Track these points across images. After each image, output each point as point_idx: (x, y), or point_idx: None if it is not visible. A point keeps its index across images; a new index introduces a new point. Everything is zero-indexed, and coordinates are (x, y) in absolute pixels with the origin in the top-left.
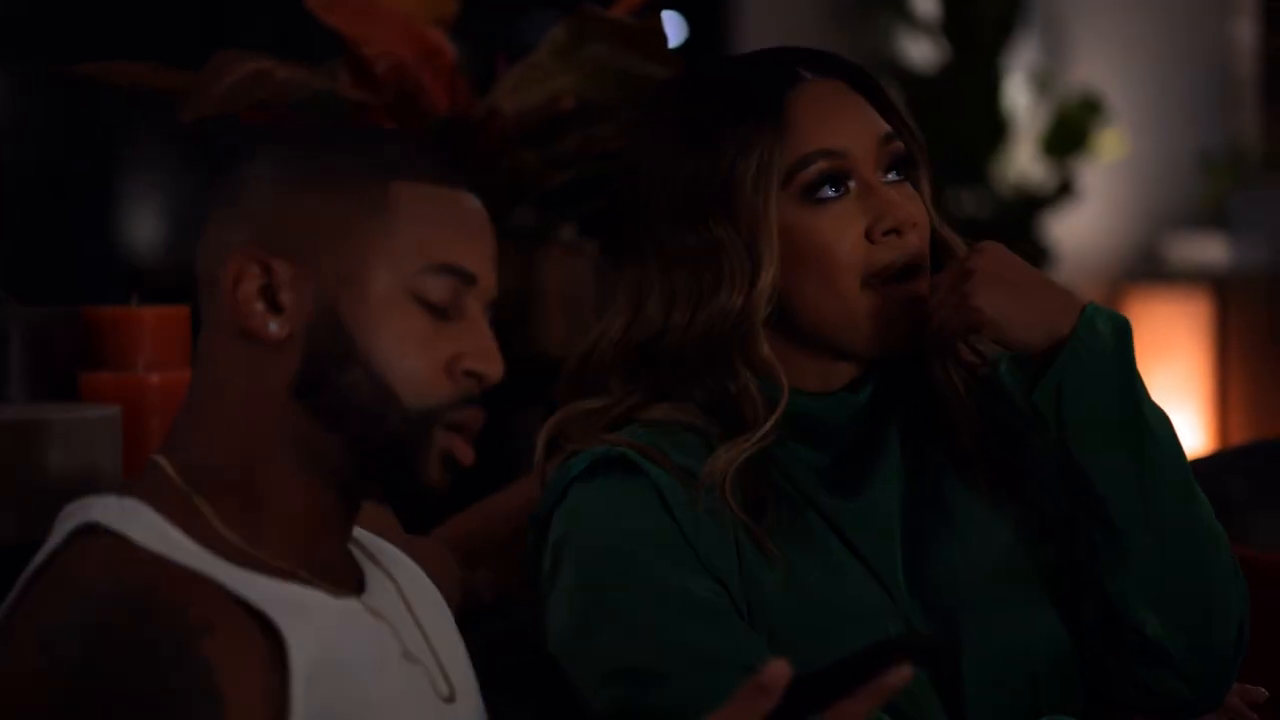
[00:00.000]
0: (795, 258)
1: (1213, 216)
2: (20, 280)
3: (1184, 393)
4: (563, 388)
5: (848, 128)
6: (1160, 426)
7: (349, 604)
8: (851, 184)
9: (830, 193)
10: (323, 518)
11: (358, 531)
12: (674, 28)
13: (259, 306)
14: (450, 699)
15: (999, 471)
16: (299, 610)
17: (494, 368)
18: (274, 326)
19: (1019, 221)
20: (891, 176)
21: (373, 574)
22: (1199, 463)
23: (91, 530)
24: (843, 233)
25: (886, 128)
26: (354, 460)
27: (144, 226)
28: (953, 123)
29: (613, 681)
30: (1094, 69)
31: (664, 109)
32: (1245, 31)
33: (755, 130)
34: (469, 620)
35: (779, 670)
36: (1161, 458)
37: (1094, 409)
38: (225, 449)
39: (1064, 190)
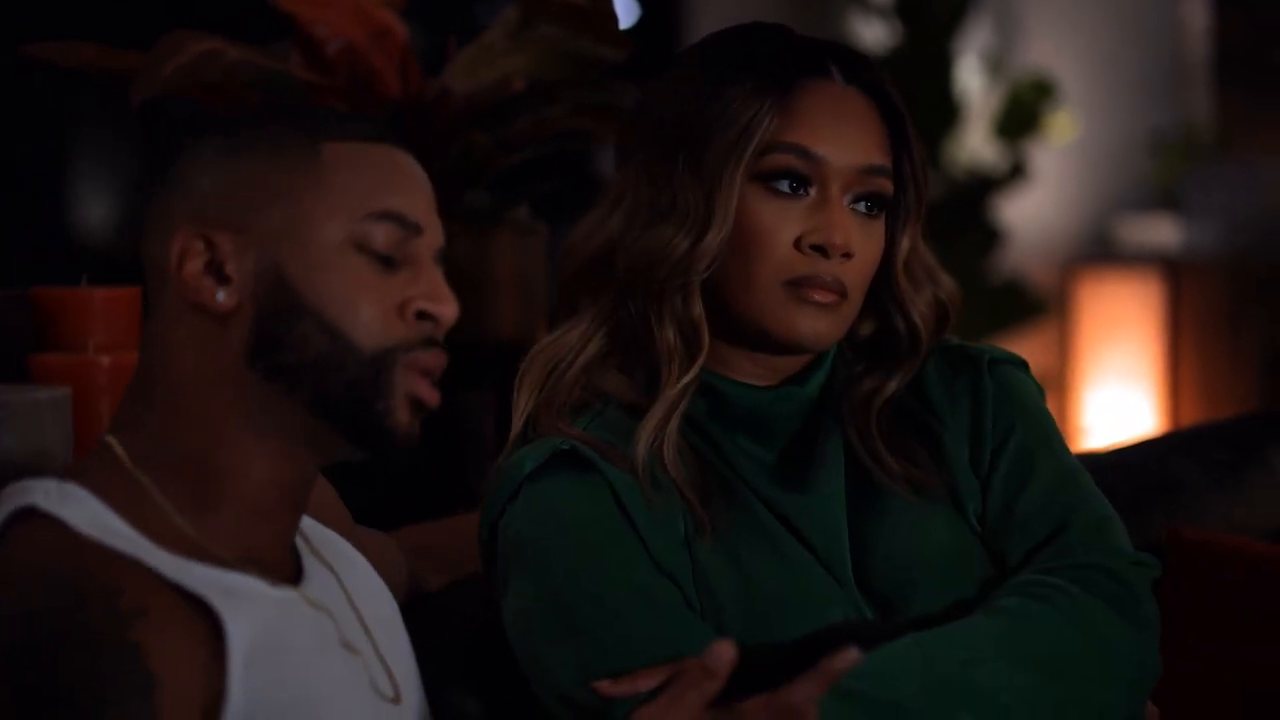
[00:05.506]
0: (737, 234)
1: (1164, 198)
2: None
3: (1135, 374)
4: (562, 276)
5: (838, 139)
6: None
7: (286, 593)
8: (813, 190)
9: (788, 188)
10: (280, 495)
11: (302, 521)
12: (625, 9)
13: (206, 280)
14: (395, 700)
15: (921, 463)
16: (236, 596)
17: (447, 308)
18: (222, 296)
19: (971, 203)
20: (860, 207)
21: (312, 565)
22: (1150, 444)
23: (30, 514)
24: (779, 229)
25: (877, 161)
26: (318, 418)
27: (94, 208)
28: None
29: (569, 676)
30: (1045, 51)
31: (713, 40)
32: (1196, 13)
33: (757, 97)
34: (417, 608)
35: (723, 651)
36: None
37: None
38: (182, 428)
39: (1016, 172)
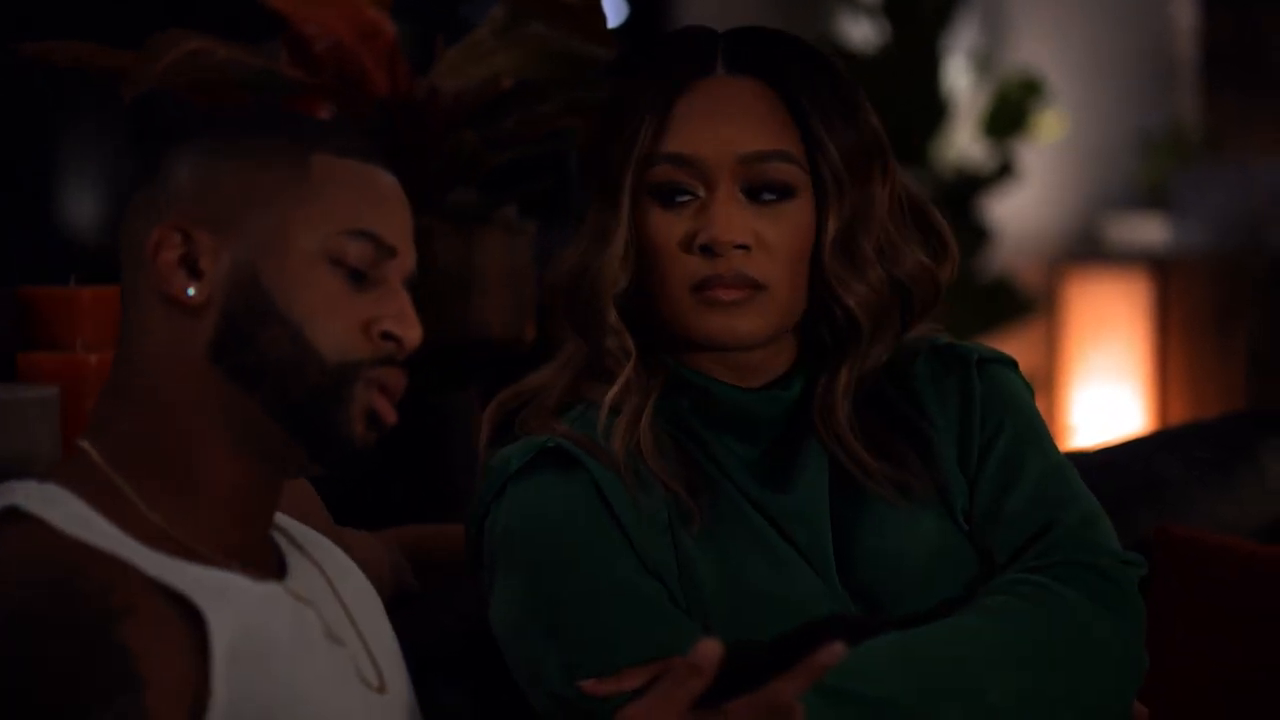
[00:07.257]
0: (642, 250)
1: (1152, 197)
2: None
3: (1123, 373)
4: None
5: (713, 135)
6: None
7: (270, 588)
8: (701, 192)
9: (681, 197)
10: (250, 494)
11: (280, 518)
12: (613, 7)
13: (179, 273)
14: (381, 689)
15: (908, 465)
16: (219, 594)
17: (411, 332)
18: (192, 291)
19: (959, 202)
20: (766, 196)
21: (295, 558)
22: (1137, 443)
23: (12, 515)
24: (671, 239)
25: (765, 147)
26: (276, 419)
27: (83, 207)
28: (893, 103)
29: (556, 674)
30: (1034, 50)
31: (634, 51)
32: (1185, 12)
33: (639, 111)
34: (408, 606)
35: (710, 649)
36: None
37: None
38: (150, 420)
39: (1004, 171)
